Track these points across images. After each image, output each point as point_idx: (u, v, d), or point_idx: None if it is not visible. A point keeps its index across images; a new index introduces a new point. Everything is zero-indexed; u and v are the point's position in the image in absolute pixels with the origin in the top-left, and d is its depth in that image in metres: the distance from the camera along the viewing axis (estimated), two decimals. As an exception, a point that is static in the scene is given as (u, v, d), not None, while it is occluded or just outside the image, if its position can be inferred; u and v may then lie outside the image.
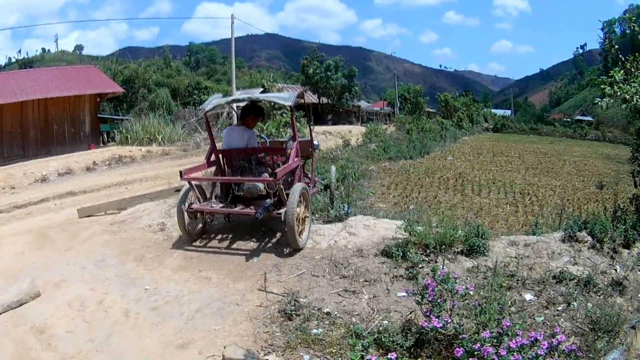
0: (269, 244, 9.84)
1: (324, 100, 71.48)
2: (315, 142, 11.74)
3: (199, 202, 9.99)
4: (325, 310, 7.03)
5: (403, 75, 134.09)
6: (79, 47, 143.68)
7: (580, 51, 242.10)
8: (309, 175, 11.45)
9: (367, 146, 34.57)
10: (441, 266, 7.20)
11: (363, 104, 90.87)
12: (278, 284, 7.99)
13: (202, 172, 10.87)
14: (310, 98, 67.04)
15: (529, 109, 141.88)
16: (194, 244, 10.08)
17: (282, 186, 9.14)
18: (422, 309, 6.01)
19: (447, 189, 21.58)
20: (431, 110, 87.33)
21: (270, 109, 21.97)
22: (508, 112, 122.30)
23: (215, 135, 12.12)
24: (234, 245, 9.95)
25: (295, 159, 9.93)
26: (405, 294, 7.08)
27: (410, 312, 6.52)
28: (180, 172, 9.76)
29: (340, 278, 8.11)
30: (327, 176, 12.93)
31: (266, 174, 9.84)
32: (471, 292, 6.26)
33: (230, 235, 10.39)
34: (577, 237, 9.15)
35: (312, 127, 12.36)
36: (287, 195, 9.14)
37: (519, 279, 7.88)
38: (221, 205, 10.06)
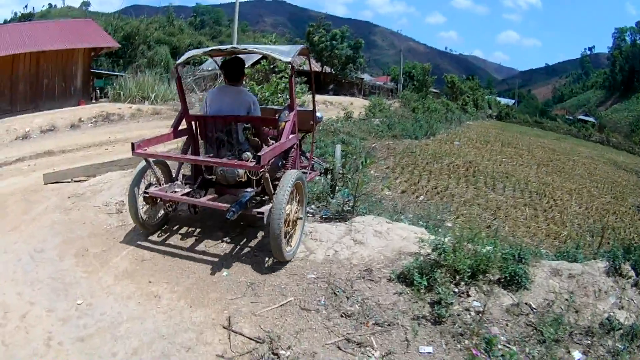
0: (246, 248, 7.36)
1: (327, 69, 68.83)
2: (318, 114, 9.38)
3: (160, 185, 7.54)
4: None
5: (407, 53, 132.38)
6: (86, 4, 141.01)
7: (588, 52, 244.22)
8: (307, 155, 9.17)
9: (370, 121, 32.38)
10: (478, 304, 5.97)
11: (366, 76, 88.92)
12: (252, 319, 5.59)
13: (163, 144, 8.54)
14: (314, 66, 63.30)
15: (532, 102, 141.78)
16: (151, 237, 7.71)
17: (267, 174, 6.67)
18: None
19: (458, 179, 19.59)
20: (435, 90, 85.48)
21: (269, 72, 19.16)
22: (511, 102, 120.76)
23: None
24: (200, 246, 7.48)
25: (291, 136, 7.36)
26: (431, 351, 5.24)
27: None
28: (133, 144, 7.15)
29: (341, 316, 5.65)
30: (329, 159, 10.22)
31: (248, 154, 7.00)
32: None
33: (198, 230, 7.93)
34: (622, 270, 7.44)
35: (314, 95, 9.39)
36: (275, 186, 6.71)
37: (566, 327, 6.06)
38: (186, 190, 7.51)
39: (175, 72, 8.37)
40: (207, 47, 9.62)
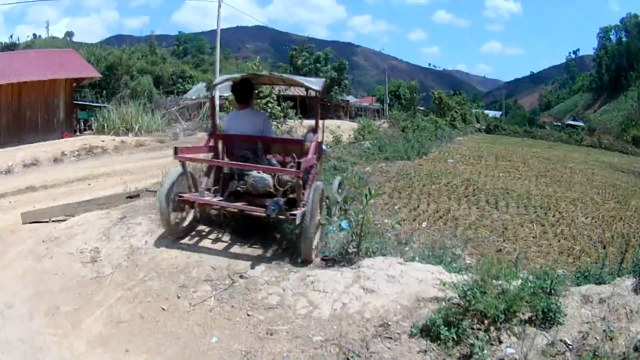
0: (237, 297, 6.80)
1: (312, 93, 66.47)
2: (324, 147, 10.11)
3: (190, 192, 8.09)
4: None
5: (390, 72, 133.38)
6: (69, 34, 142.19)
7: (573, 56, 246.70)
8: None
9: (360, 144, 31.68)
10: (512, 350, 5.39)
11: (351, 98, 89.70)
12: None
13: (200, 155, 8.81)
14: (298, 91, 63.28)
15: (519, 111, 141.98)
16: (126, 293, 7.07)
17: (301, 181, 7.67)
18: None
19: (458, 199, 18.83)
20: (421, 108, 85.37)
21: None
22: (498, 114, 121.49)
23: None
24: (183, 303, 6.79)
25: (315, 156, 8.40)
26: None
27: None
28: (175, 148, 7.80)
29: (360, 390, 4.90)
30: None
31: (274, 161, 8.45)
32: None
33: (178, 285, 7.20)
34: None
35: (323, 126, 9.45)
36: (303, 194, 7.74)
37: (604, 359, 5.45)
38: (216, 199, 8.10)
39: (211, 93, 10.03)
40: (237, 74, 10.24)
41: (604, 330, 5.87)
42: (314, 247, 7.58)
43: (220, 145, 9.02)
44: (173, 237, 8.16)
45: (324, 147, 10.09)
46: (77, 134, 31.02)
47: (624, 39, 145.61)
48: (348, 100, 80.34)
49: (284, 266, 7.58)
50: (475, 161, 33.09)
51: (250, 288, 6.92)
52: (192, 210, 8.51)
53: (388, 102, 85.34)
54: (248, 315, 6.32)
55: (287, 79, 9.59)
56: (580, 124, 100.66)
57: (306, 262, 7.53)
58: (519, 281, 6.34)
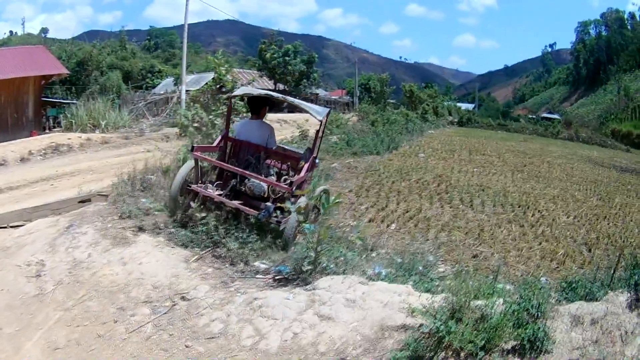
0: (176, 323, 6.42)
1: (281, 86, 68.66)
2: (316, 161, 11.23)
3: (196, 183, 9.69)
4: None
5: (361, 65, 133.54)
6: (44, 30, 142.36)
7: (549, 50, 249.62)
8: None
9: (327, 138, 30.71)
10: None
11: (321, 92, 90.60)
12: None
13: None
14: (266, 84, 65.78)
15: (492, 104, 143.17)
16: (65, 314, 6.70)
17: (272, 195, 9.35)
18: None
19: (430, 197, 18.01)
20: (392, 101, 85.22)
21: (216, 92, 18.62)
22: (471, 106, 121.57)
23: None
24: (120, 327, 6.39)
25: (307, 173, 9.83)
26: None
27: None
28: (192, 146, 9.77)
29: None
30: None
31: (273, 177, 10.02)
32: None
33: (121, 296, 7.07)
34: None
35: (320, 140, 11.01)
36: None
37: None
38: (218, 192, 9.59)
39: (229, 102, 11.69)
40: (259, 90, 12.39)
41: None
42: (293, 246, 8.63)
43: (228, 148, 10.51)
44: (173, 216, 9.66)
45: (317, 161, 11.09)
46: (47, 131, 30.90)
47: (604, 34, 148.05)
48: (317, 94, 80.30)
49: (230, 285, 7.38)
50: (447, 155, 32.50)
51: (191, 312, 6.62)
52: (196, 199, 9.54)
53: (358, 95, 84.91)
54: (186, 346, 5.93)
55: (298, 104, 10.40)
56: (556, 116, 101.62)
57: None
58: (500, 301, 5.72)
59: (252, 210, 8.97)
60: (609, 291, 7.27)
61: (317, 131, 10.44)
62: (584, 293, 7.34)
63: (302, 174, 9.42)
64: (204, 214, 9.22)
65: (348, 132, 34.55)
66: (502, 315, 5.31)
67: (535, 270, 11.17)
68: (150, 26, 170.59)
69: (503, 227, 14.86)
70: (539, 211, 17.71)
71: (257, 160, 10.18)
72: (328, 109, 11.10)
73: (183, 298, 6.87)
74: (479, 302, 5.50)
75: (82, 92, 43.87)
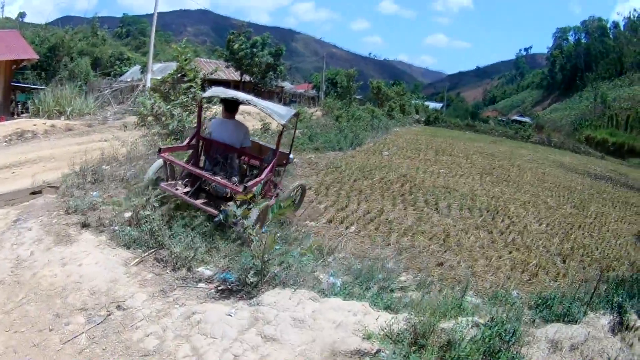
0: (110, 335, 6.12)
1: (247, 78, 68.99)
2: (291, 156, 12.71)
3: (167, 180, 10.22)
4: None
5: (330, 60, 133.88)
6: (22, 15, 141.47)
7: (524, 53, 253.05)
8: (278, 185, 11.93)
9: (288, 132, 30.04)
10: None
11: (287, 85, 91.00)
12: None
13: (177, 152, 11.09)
14: (232, 75, 66.47)
15: (461, 104, 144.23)
16: (11, 312, 6.54)
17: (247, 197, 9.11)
18: None
19: (393, 199, 17.36)
20: (358, 97, 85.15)
21: (176, 82, 18.86)
22: (439, 106, 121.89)
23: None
24: (55, 336, 6.13)
25: (268, 174, 10.40)
26: None
27: None
28: (159, 148, 10.31)
29: None
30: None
31: (236, 178, 10.36)
32: None
33: (58, 302, 6.79)
34: (628, 322, 6.42)
35: (294, 139, 13.34)
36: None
37: None
38: (185, 190, 10.03)
39: (199, 103, 11.81)
40: (228, 91, 11.80)
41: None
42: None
43: (200, 145, 11.04)
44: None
45: (291, 156, 12.68)
46: (16, 117, 31.10)
47: (583, 41, 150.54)
48: (283, 87, 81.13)
49: (169, 295, 7.03)
50: (413, 154, 31.91)
51: (126, 324, 6.29)
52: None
53: (324, 89, 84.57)
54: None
55: (262, 108, 10.61)
56: (527, 120, 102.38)
57: None
58: (469, 323, 5.13)
59: (213, 210, 9.35)
60: (589, 311, 7.02)
61: (280, 134, 10.81)
62: (560, 312, 6.96)
63: (263, 175, 10.13)
64: (148, 212, 8.93)
65: (311, 127, 34.14)
66: (471, 342, 4.58)
67: (506, 282, 10.56)
68: (124, 13, 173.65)
69: (470, 233, 14.21)
70: (508, 217, 17.10)
71: (225, 159, 10.64)
72: (294, 112, 11.87)
73: (119, 307, 6.53)
74: (445, 325, 4.76)
75: (53, 77, 44.20)
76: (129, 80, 47.83)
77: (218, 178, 9.89)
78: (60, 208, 9.65)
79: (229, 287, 6.84)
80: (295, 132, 12.70)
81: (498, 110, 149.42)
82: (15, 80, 35.17)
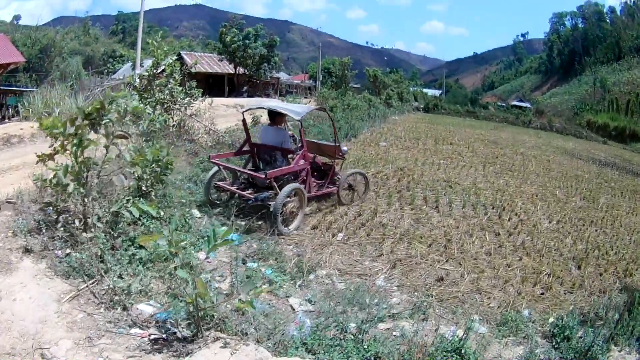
0: None
1: (241, 70, 68.97)
2: (344, 148, 14.57)
3: (225, 180, 12.76)
4: None
5: (327, 49, 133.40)
6: (17, 17, 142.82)
7: (521, 39, 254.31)
8: (339, 175, 14.04)
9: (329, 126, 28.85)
10: None
11: (283, 75, 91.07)
12: None
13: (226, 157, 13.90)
14: (226, 68, 67.89)
15: (460, 91, 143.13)
16: None
17: (274, 183, 11.34)
18: None
19: (389, 197, 15.67)
20: (356, 86, 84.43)
21: (152, 77, 19.02)
22: (438, 93, 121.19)
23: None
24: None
25: (301, 162, 12.09)
26: None
27: None
28: (209, 156, 12.95)
29: None
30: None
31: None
32: None
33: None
34: None
35: (336, 130, 15.01)
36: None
37: None
38: (237, 186, 12.64)
39: (243, 116, 13.78)
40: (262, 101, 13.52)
41: None
42: (288, 228, 11.27)
43: (254, 149, 13.42)
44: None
45: (344, 149, 14.68)
46: (6, 121, 29.90)
47: (580, 26, 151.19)
48: (279, 78, 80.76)
49: (95, 344, 5.78)
50: (411, 144, 30.45)
51: None
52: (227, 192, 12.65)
53: (320, 79, 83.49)
54: None
55: (283, 109, 12.75)
56: (527, 105, 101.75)
57: (279, 234, 10.84)
58: None
59: (249, 196, 11.71)
60: (612, 346, 6.68)
61: (300, 129, 12.53)
62: (580, 348, 6.45)
63: (294, 164, 12.01)
64: (90, 234, 7.67)
65: (304, 119, 32.32)
66: None
67: (516, 299, 8.96)
68: (119, 11, 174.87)
69: (475, 236, 12.57)
70: (516, 214, 15.56)
71: (270, 157, 13.04)
72: (311, 108, 14.79)
73: (43, 356, 5.50)
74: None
75: (45, 79, 45.44)
76: (120, 77, 47.37)
77: (246, 170, 12.70)
78: (11, 228, 8.30)
79: (164, 336, 5.39)
80: (334, 124, 14.88)
81: (497, 95, 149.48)
82: (7, 84, 35.47)
